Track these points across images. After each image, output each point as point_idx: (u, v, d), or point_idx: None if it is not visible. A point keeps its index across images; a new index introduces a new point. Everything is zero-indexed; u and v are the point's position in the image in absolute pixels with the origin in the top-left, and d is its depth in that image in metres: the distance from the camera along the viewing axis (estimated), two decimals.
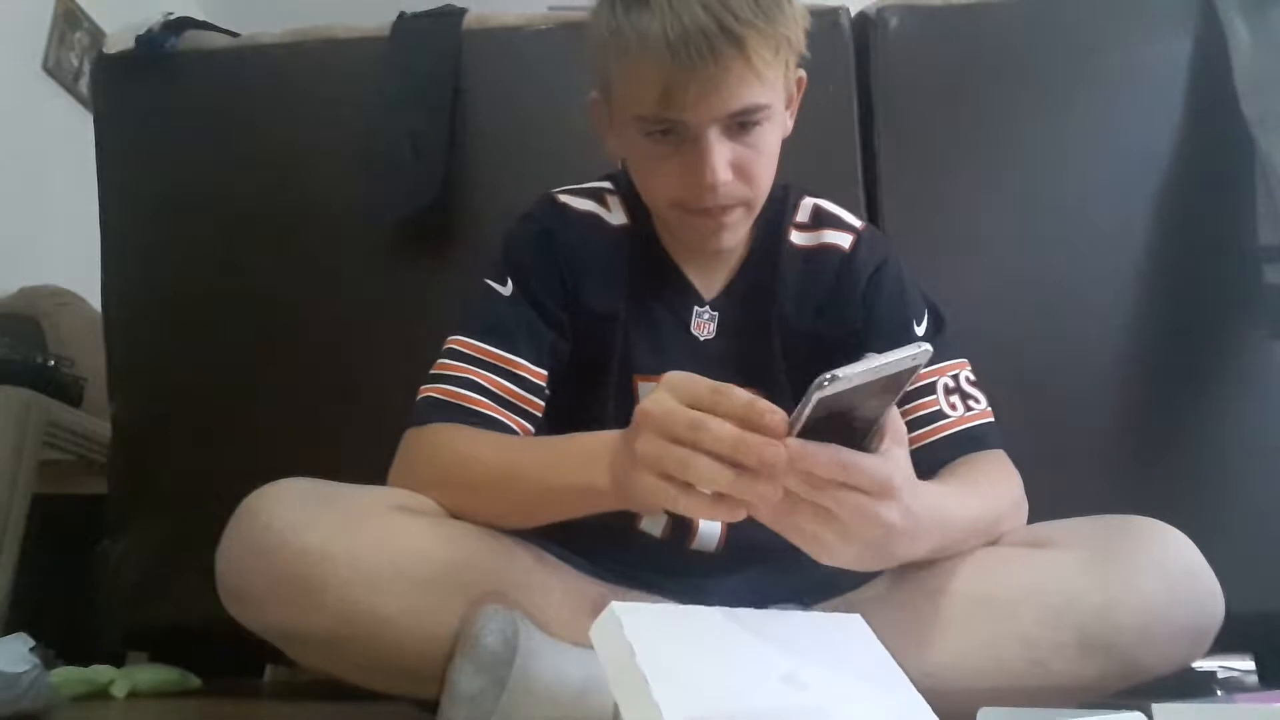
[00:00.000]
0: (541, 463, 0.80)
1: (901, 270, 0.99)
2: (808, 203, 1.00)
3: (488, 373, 0.88)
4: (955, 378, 0.94)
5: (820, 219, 0.99)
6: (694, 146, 0.82)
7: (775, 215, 0.98)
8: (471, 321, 0.92)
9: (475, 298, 0.95)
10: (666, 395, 0.63)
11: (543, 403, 0.91)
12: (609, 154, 0.96)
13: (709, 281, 0.98)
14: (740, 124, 0.83)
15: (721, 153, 0.82)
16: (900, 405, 0.84)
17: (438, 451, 0.85)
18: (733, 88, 0.79)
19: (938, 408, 0.91)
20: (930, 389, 0.92)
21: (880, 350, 0.90)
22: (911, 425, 0.89)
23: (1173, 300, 1.34)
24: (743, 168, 0.84)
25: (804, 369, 0.80)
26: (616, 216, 0.99)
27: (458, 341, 0.91)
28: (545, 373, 0.91)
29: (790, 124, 0.92)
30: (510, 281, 0.93)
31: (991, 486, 0.86)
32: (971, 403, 0.93)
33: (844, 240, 0.98)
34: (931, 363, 0.90)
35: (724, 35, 0.77)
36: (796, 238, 0.98)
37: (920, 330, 0.96)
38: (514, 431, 0.88)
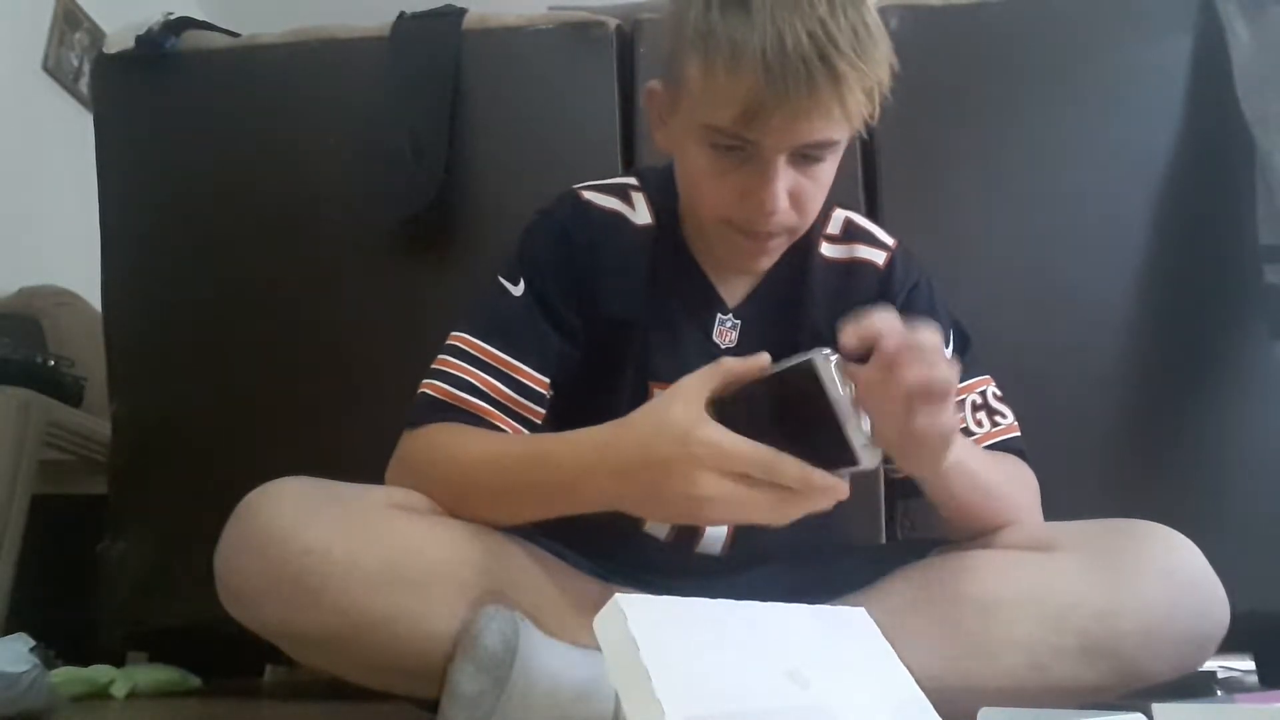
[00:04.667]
0: (541, 482, 0.78)
1: (932, 291, 0.98)
2: (839, 215, 0.98)
3: (488, 376, 0.86)
4: (982, 394, 0.94)
5: (852, 233, 0.97)
6: (758, 170, 0.79)
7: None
8: (478, 319, 0.89)
9: (485, 293, 0.92)
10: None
11: (543, 410, 0.88)
12: (656, 146, 0.92)
13: (733, 289, 0.95)
14: (807, 155, 0.80)
15: (784, 182, 0.79)
16: None
17: (434, 455, 0.84)
18: (816, 121, 0.76)
19: (964, 425, 0.91)
20: (959, 407, 0.91)
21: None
22: None
23: (1172, 300, 1.34)
24: (799, 198, 0.82)
25: None
26: (641, 216, 0.95)
27: (462, 339, 0.88)
28: (548, 380, 0.88)
29: (854, 134, 0.87)
30: (522, 281, 0.90)
31: (1004, 467, 0.88)
32: (998, 418, 0.93)
33: (878, 257, 0.95)
34: (959, 380, 0.90)
35: (824, 67, 0.73)
36: (827, 250, 0.96)
37: (948, 351, 0.93)
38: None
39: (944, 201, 1.40)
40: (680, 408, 0.67)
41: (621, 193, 0.96)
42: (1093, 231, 1.37)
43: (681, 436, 0.66)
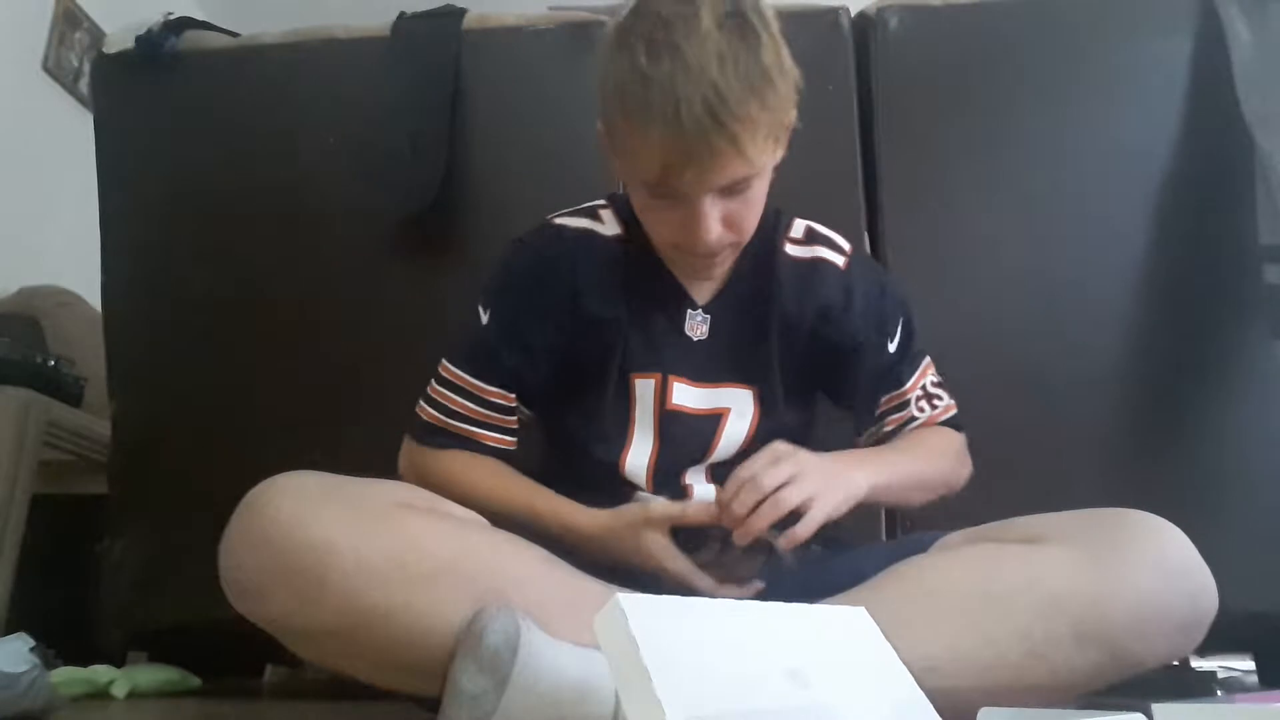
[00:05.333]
0: (538, 530, 0.91)
1: (884, 288, 1.07)
2: (800, 223, 1.07)
3: (463, 399, 1.01)
4: (924, 387, 1.07)
5: (813, 237, 1.06)
6: (688, 209, 0.88)
7: (769, 231, 1.02)
8: (456, 347, 1.04)
9: (465, 322, 1.04)
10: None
11: (515, 417, 1.03)
12: (616, 177, 0.99)
13: (702, 288, 1.02)
14: (730, 189, 0.88)
15: (713, 214, 0.88)
16: (885, 416, 1.07)
17: (444, 483, 0.94)
18: (724, 169, 0.85)
19: (911, 414, 1.06)
20: (907, 404, 1.06)
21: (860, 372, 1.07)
22: (894, 433, 1.07)
23: (1173, 299, 1.35)
24: (733, 220, 0.90)
25: (804, 368, 1.01)
26: (610, 228, 1.03)
27: (443, 367, 1.04)
28: (513, 395, 1.02)
29: (780, 153, 0.95)
30: (489, 310, 1.02)
31: (920, 443, 1.05)
32: (936, 401, 1.07)
33: (838, 259, 1.04)
34: (904, 380, 1.06)
35: (719, 129, 0.82)
36: (791, 250, 1.04)
37: (893, 347, 1.06)
38: (495, 448, 1.02)
39: (944, 201, 1.40)
40: (654, 540, 0.87)
41: (590, 213, 1.05)
42: (1093, 231, 1.37)
43: (657, 566, 0.87)
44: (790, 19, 1.42)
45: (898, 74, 1.41)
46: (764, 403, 1.00)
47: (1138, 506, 0.84)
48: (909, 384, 1.06)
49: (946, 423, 1.08)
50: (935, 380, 1.09)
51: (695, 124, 0.81)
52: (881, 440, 1.07)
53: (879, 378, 1.06)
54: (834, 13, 1.42)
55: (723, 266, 0.99)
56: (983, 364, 1.36)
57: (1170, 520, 0.80)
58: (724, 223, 0.89)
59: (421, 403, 1.04)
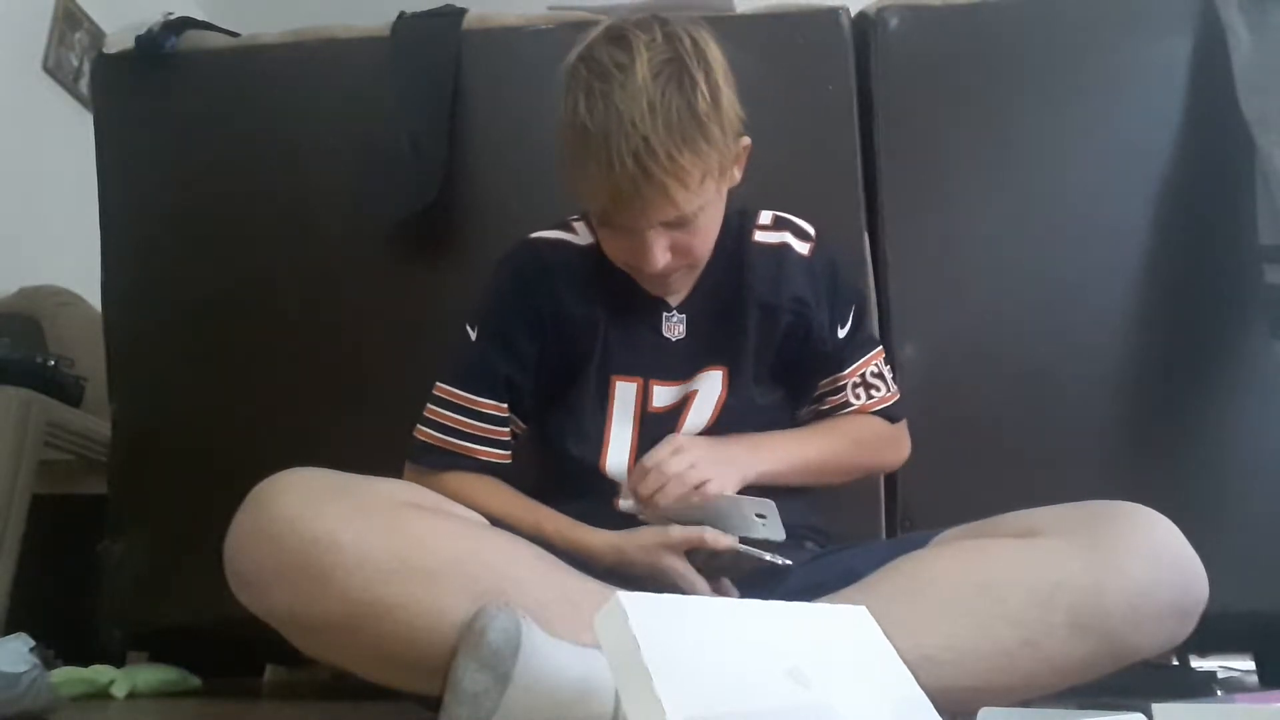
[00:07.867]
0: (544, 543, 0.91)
1: (839, 277, 1.10)
2: (767, 213, 1.10)
3: (460, 415, 1.04)
4: (862, 375, 1.11)
5: (780, 223, 1.09)
6: (636, 239, 0.93)
7: (738, 226, 1.07)
8: (451, 368, 1.07)
9: (457, 343, 1.07)
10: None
11: (508, 428, 1.06)
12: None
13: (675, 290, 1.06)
14: (674, 223, 0.92)
15: (659, 244, 0.92)
16: (823, 397, 1.11)
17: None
18: (659, 212, 0.90)
19: (846, 400, 1.10)
20: (843, 389, 1.10)
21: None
22: (829, 413, 1.12)
23: (1173, 299, 1.35)
24: (681, 249, 0.94)
25: (775, 350, 1.04)
26: (584, 239, 1.07)
27: (439, 388, 1.06)
28: (505, 405, 1.05)
29: (739, 173, 0.99)
30: (477, 327, 1.06)
31: (835, 430, 1.09)
32: (873, 391, 1.11)
33: (803, 247, 1.07)
34: (845, 365, 1.10)
35: (649, 181, 0.86)
36: (760, 236, 1.08)
37: (842, 333, 1.09)
38: (492, 463, 1.04)
39: (944, 201, 1.40)
40: (674, 564, 0.88)
41: (564, 226, 1.09)
42: (1093, 231, 1.37)
43: (673, 588, 0.88)
44: (790, 19, 1.44)
45: (898, 74, 1.41)
46: (731, 382, 1.03)
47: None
48: (848, 370, 1.10)
49: (882, 412, 1.12)
50: (877, 371, 1.12)
51: (626, 174, 0.85)
52: (819, 418, 1.12)
53: (823, 360, 1.09)
54: (834, 13, 1.42)
55: (681, 285, 1.03)
56: (983, 364, 1.36)
57: (1171, 519, 0.81)
58: (672, 251, 0.94)
59: (419, 425, 1.06)
